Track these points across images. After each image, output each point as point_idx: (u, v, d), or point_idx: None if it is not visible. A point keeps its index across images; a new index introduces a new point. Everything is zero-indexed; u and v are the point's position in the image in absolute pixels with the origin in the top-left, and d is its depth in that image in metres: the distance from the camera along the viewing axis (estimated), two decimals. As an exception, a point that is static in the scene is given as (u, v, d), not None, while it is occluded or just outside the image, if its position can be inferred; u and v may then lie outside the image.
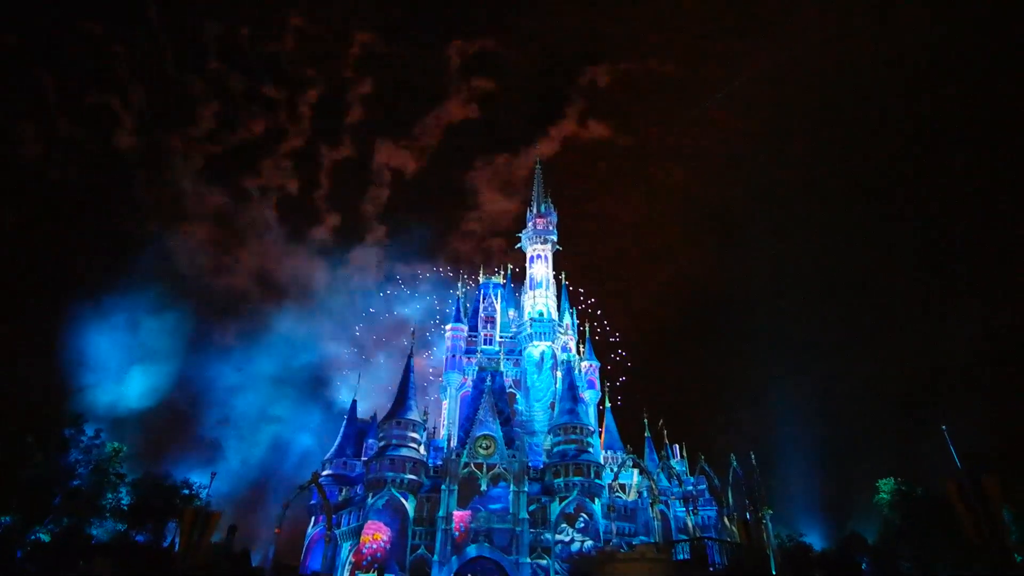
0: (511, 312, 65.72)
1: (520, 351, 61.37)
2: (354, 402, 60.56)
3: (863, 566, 50.29)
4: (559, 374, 57.92)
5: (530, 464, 48.87)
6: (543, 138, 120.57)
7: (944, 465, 30.55)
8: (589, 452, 49.68)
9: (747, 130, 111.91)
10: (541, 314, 62.71)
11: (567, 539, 45.81)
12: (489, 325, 63.36)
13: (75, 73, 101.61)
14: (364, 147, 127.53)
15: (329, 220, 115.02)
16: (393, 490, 45.80)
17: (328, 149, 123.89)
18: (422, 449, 49.37)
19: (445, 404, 60.60)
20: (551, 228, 69.04)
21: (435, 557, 43.31)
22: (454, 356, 60.40)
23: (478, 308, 65.05)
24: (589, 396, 60.30)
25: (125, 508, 44.09)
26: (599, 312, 74.47)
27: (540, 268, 66.87)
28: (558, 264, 68.52)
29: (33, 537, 39.18)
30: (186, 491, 47.36)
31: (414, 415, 50.24)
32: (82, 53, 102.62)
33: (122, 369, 77.13)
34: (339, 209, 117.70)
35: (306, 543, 51.82)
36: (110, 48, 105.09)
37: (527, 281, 67.00)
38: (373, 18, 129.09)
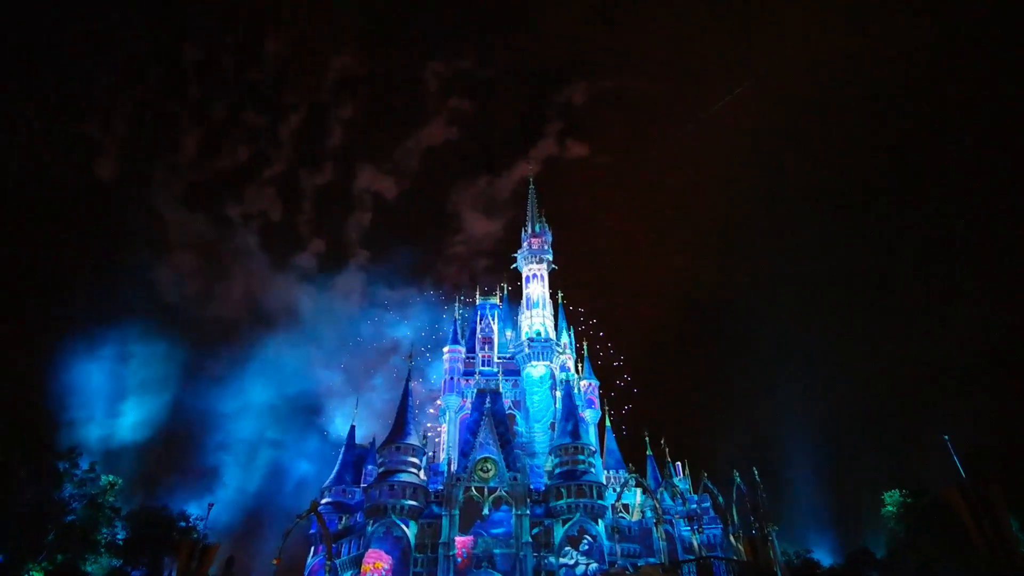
0: (508, 333, 65.38)
1: (518, 372, 61.06)
2: (352, 428, 59.84)
3: (871, 581, 49.70)
4: (558, 394, 57.57)
5: (532, 486, 48.30)
6: (527, 158, 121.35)
7: (949, 473, 30.37)
8: (591, 472, 49.19)
9: (744, 132, 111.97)
10: (539, 334, 62.56)
11: (571, 562, 45.09)
12: (487, 346, 63.06)
13: (56, 101, 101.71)
14: (345, 172, 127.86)
15: (313, 246, 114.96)
16: (393, 516, 45.12)
17: (309, 174, 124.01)
18: (422, 474, 48.76)
19: (443, 428, 59.99)
20: (546, 247, 69.26)
21: (438, 584, 42.56)
22: (452, 378, 59.97)
23: (475, 329, 64.83)
24: (589, 415, 59.83)
25: (120, 542, 43.36)
26: (601, 334, 74.65)
27: (536, 288, 66.94)
28: (554, 283, 68.71)
29: (27, 575, 38.37)
30: (183, 523, 46.72)
31: (413, 440, 49.74)
32: (63, 81, 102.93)
33: (115, 401, 76.34)
34: (322, 235, 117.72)
35: (305, 573, 50.82)
36: (91, 75, 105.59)
37: (523, 301, 66.87)
38: (351, 41, 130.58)
